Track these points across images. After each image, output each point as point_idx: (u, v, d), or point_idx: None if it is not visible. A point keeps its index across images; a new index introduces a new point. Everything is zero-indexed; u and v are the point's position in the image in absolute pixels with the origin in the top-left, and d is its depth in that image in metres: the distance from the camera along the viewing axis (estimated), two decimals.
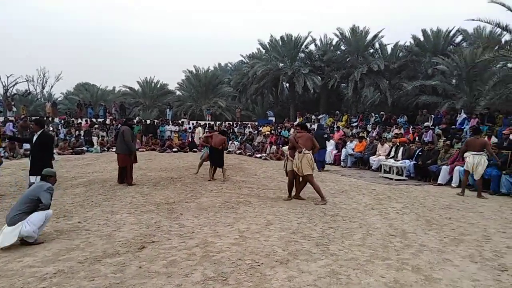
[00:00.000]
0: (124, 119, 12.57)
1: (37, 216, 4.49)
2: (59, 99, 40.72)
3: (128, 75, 67.63)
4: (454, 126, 13.81)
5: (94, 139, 18.17)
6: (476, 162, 8.34)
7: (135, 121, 21.31)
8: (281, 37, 29.26)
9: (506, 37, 17.65)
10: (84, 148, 16.76)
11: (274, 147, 16.68)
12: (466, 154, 8.66)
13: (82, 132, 18.63)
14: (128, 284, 3.43)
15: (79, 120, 22.73)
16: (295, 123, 20.29)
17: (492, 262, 4.22)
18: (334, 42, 29.22)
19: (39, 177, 5.21)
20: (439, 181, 10.08)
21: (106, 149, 17.12)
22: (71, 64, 67.83)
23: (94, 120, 23.10)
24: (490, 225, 5.95)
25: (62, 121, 21.67)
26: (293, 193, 7.58)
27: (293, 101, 30.59)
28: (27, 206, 4.52)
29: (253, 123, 26.55)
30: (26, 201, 4.56)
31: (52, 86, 42.42)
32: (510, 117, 12.74)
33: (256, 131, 21.38)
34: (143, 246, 4.47)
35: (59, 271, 3.71)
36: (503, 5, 14.66)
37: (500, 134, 11.34)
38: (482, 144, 8.51)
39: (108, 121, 22.85)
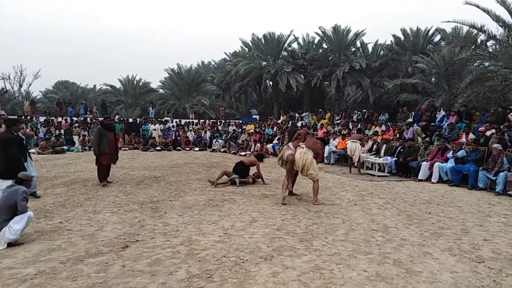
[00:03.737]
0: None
1: (19, 220, 4.41)
2: (38, 97, 39.67)
3: (109, 73, 66.71)
4: (433, 123, 14.11)
5: (75, 138, 17.82)
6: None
7: (116, 119, 21.02)
8: (264, 36, 29.27)
9: (482, 37, 18.16)
10: (65, 147, 16.41)
11: (258, 145, 16.73)
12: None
13: (62, 131, 18.23)
14: (111, 284, 3.40)
15: (59, 119, 22.22)
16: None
17: (469, 255, 4.36)
18: (316, 41, 29.43)
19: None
20: (419, 177, 10.31)
21: (87, 148, 16.80)
22: (50, 62, 66.33)
23: (74, 118, 22.62)
24: (468, 219, 6.13)
25: (39, 120, 21.14)
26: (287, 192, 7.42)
27: (277, 99, 30.68)
28: (7, 212, 4.44)
29: (237, 121, 26.51)
30: (4, 209, 4.45)
31: (30, 84, 41.29)
32: (487, 114, 13.11)
33: (240, 129, 21.38)
34: (127, 245, 4.43)
35: (40, 272, 3.64)
36: (478, 6, 15.07)
37: (477, 131, 11.66)
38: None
39: (89, 120, 22.41)
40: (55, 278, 3.51)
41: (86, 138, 17.93)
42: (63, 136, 17.44)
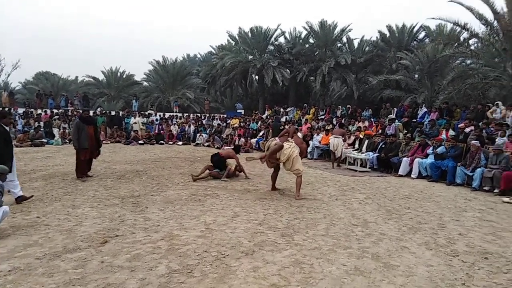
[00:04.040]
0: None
1: None
2: (17, 88, 38.60)
3: (92, 64, 65.35)
4: (415, 120, 14.36)
5: (55, 130, 17.43)
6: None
7: (98, 112, 20.65)
8: (251, 29, 29.15)
9: (464, 34, 18.51)
10: (44, 140, 16.03)
11: (242, 139, 16.70)
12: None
13: (41, 124, 17.80)
14: (89, 280, 3.35)
15: (39, 111, 21.69)
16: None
17: (445, 249, 4.48)
18: (303, 36, 29.49)
19: None
20: (399, 173, 10.50)
21: (67, 141, 16.45)
22: (29, 52, 64.56)
23: (55, 111, 22.12)
24: (445, 213, 6.29)
25: (17, 111, 20.60)
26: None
27: (262, 94, 30.66)
28: None
29: (221, 115, 26.42)
30: None
31: (8, 75, 39.98)
32: (467, 111, 13.41)
33: (224, 124, 21.29)
34: (106, 240, 4.37)
35: (14, 268, 3.56)
36: (462, 4, 15.35)
37: (457, 127, 11.92)
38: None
39: (70, 112, 21.95)
40: (31, 274, 3.44)
41: (67, 131, 17.56)
42: (42, 129, 17.03)
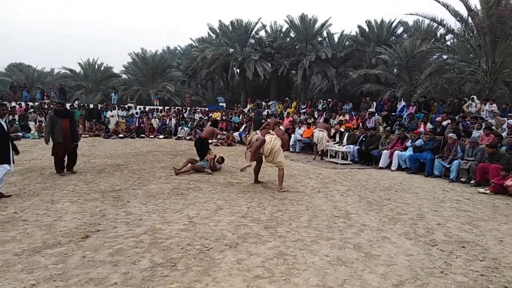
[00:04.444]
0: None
1: None
2: None
3: (68, 56, 63.41)
4: (394, 113, 14.64)
5: (31, 124, 16.92)
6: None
7: (75, 105, 20.13)
8: (231, 22, 28.92)
9: (441, 30, 18.94)
10: (20, 133, 15.55)
11: (225, 133, 16.63)
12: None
13: (16, 117, 17.22)
14: (71, 275, 3.29)
15: (13, 104, 20.96)
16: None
17: (424, 238, 4.60)
18: (284, 29, 29.50)
19: None
20: (380, 165, 10.71)
21: (44, 134, 15.99)
22: (1, 43, 62.08)
23: (30, 103, 21.42)
24: (424, 204, 6.46)
25: None
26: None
27: (244, 87, 30.57)
28: None
29: (203, 108, 26.21)
30: None
31: None
32: (444, 105, 13.76)
33: (206, 117, 21.15)
34: (87, 235, 4.29)
35: None
36: (438, 1, 15.66)
37: (434, 121, 12.23)
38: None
39: (46, 105, 21.30)
40: (9, 271, 3.35)
41: (43, 124, 17.04)
42: (17, 122, 16.49)
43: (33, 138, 15.57)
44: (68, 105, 17.53)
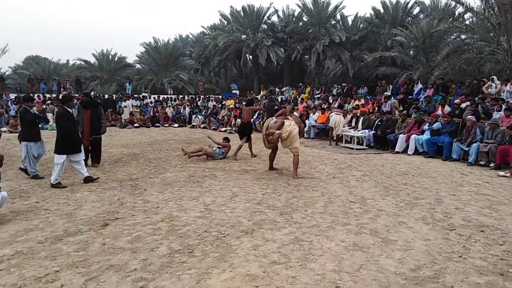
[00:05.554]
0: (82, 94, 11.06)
1: None
2: (7, 73, 37.86)
3: (83, 47, 64.04)
4: (411, 96, 14.32)
5: (49, 115, 17.24)
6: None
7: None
8: (243, 8, 28.58)
9: (459, 9, 18.30)
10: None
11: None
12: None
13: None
14: (92, 261, 3.39)
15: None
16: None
17: (442, 223, 4.55)
18: (296, 14, 29.00)
19: None
20: (396, 149, 10.56)
21: None
22: (18, 35, 63.07)
23: (48, 95, 21.82)
24: (441, 188, 6.36)
25: (9, 97, 20.31)
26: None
27: (257, 74, 30.36)
28: None
29: (216, 96, 26.19)
30: None
31: None
32: (462, 87, 13.39)
33: (220, 105, 21.14)
34: (106, 223, 4.40)
35: (17, 252, 3.58)
36: None
37: (452, 103, 11.93)
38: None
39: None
40: (33, 258, 3.47)
41: None
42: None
43: (51, 130, 15.86)
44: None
